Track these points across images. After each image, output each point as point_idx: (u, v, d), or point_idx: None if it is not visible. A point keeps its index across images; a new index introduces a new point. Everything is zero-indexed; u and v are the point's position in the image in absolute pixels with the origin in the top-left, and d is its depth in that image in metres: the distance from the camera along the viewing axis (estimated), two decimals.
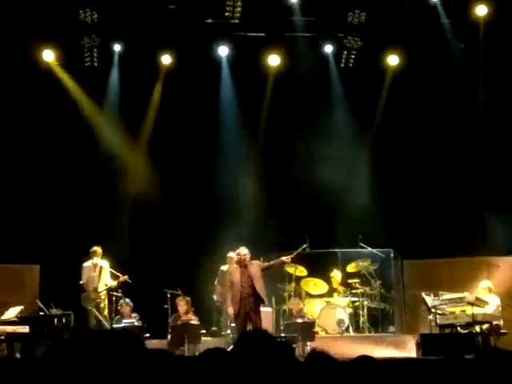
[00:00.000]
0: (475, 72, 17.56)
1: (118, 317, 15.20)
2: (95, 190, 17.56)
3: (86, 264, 15.51)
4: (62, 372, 1.31)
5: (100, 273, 15.46)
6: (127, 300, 15.24)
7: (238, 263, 13.94)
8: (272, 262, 13.90)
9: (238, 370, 2.92)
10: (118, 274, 15.35)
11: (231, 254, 15.38)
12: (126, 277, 15.20)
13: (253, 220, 18.09)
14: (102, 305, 15.35)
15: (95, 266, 15.46)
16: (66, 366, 1.31)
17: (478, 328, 13.96)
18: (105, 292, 15.34)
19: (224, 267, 15.84)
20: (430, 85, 17.90)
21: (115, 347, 1.32)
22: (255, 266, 13.70)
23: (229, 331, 14.94)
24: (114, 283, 15.29)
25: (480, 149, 17.67)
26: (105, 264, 15.56)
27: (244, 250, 13.81)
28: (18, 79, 16.99)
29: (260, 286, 13.54)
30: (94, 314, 15.21)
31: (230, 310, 13.69)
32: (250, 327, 13.21)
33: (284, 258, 13.86)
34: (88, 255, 15.56)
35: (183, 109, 17.87)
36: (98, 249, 15.52)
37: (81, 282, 15.46)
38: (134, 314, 15.14)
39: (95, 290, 15.33)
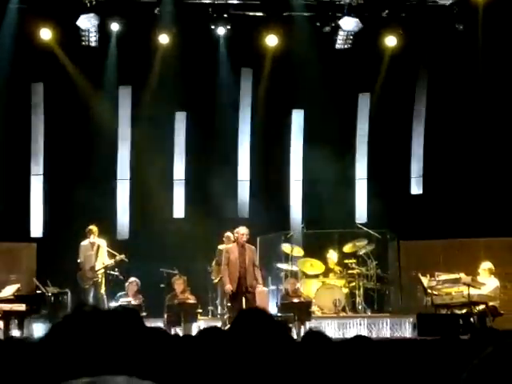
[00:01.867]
0: (474, 54, 17.52)
1: (121, 293, 15.22)
2: (92, 169, 17.55)
3: (83, 243, 15.51)
4: (61, 351, 1.31)
5: (97, 252, 15.46)
6: (134, 279, 15.25)
7: (236, 242, 14.05)
8: (257, 271, 13.97)
9: (234, 349, 2.93)
10: (114, 252, 15.37)
11: (228, 234, 15.49)
12: (122, 256, 15.22)
13: (249, 198, 18.15)
14: (99, 283, 15.37)
15: (92, 244, 15.46)
16: (65, 344, 1.32)
17: (473, 309, 14.00)
18: (102, 271, 15.36)
19: (221, 246, 15.89)
20: (429, 67, 17.88)
21: (114, 325, 1.33)
22: (252, 251, 13.95)
23: (225, 310, 14.97)
24: (111, 262, 15.31)
25: (478, 129, 17.65)
26: (102, 243, 15.56)
27: (243, 229, 13.96)
28: (15, 57, 16.94)
29: (253, 270, 13.74)
30: (91, 292, 15.25)
31: (229, 287, 13.82)
32: (246, 306, 13.28)
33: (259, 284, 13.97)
34: (85, 234, 15.56)
35: (181, 89, 17.82)
36: (93, 227, 15.49)
37: (78, 261, 15.47)
38: (139, 295, 15.16)
39: (92, 268, 15.34)
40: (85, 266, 15.40)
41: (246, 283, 13.70)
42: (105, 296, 15.35)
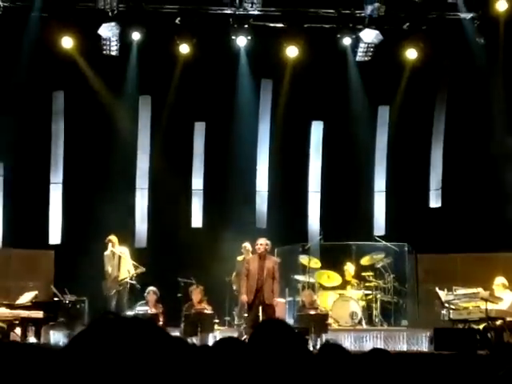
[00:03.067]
0: (495, 68, 17.48)
1: (142, 302, 15.26)
2: (111, 178, 17.61)
3: (106, 252, 15.53)
4: (85, 359, 1.32)
5: (119, 261, 15.49)
6: (154, 289, 15.28)
7: (257, 253, 14.13)
8: (275, 284, 13.96)
9: (251, 360, 2.93)
10: (136, 264, 15.41)
11: (246, 245, 15.54)
12: (143, 269, 15.27)
13: (268, 210, 18.17)
14: (122, 292, 15.37)
15: (113, 254, 15.49)
16: (90, 352, 1.33)
17: (491, 324, 13.93)
18: (127, 279, 15.38)
19: (240, 258, 15.93)
20: (449, 79, 17.85)
21: (137, 334, 1.34)
22: (272, 262, 13.97)
23: (242, 321, 14.96)
24: (134, 272, 15.34)
25: (498, 144, 17.59)
26: (125, 251, 15.59)
27: (261, 241, 14.01)
28: (37, 66, 17.03)
29: (269, 283, 13.76)
30: (114, 300, 15.27)
31: (244, 298, 13.89)
32: (263, 318, 13.31)
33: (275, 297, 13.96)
34: (105, 244, 15.60)
35: (200, 99, 17.88)
36: (112, 237, 15.53)
37: (105, 269, 15.48)
38: (159, 305, 15.18)
39: (115, 278, 15.37)
40: (110, 275, 15.44)
41: (263, 295, 13.73)
42: (126, 305, 15.39)
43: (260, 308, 13.80)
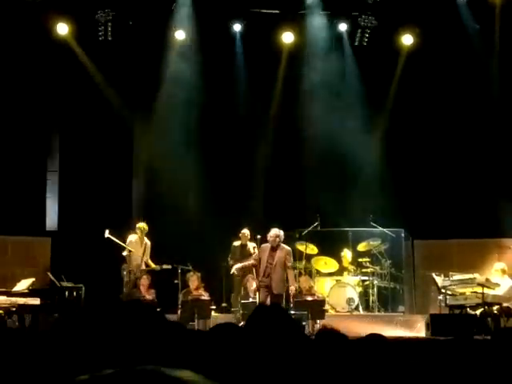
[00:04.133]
0: (490, 53, 17.46)
1: (134, 289, 15.28)
2: (107, 165, 17.60)
3: (132, 238, 15.60)
4: (80, 342, 1.32)
5: (144, 250, 15.57)
6: (147, 274, 15.35)
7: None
8: (289, 272, 14.07)
9: (248, 345, 2.93)
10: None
11: (245, 231, 15.66)
12: (169, 266, 15.36)
13: (263, 196, 18.15)
14: (139, 281, 15.39)
15: (141, 241, 15.57)
16: (86, 335, 1.33)
17: (488, 309, 13.96)
18: (145, 270, 15.46)
19: (236, 243, 16.00)
20: (445, 65, 17.82)
21: (137, 316, 1.34)
22: (284, 251, 14.05)
23: (239, 307, 14.98)
24: (157, 267, 15.49)
25: (495, 130, 17.59)
26: (149, 243, 15.71)
27: (273, 232, 14.11)
28: (32, 52, 16.99)
29: (278, 273, 13.84)
30: (130, 287, 15.35)
31: (250, 284, 14.09)
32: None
33: (291, 286, 14.11)
34: (134, 229, 15.63)
35: (195, 84, 17.84)
36: (143, 225, 15.65)
37: (124, 254, 15.50)
38: (151, 290, 15.20)
39: (137, 265, 15.44)
40: (131, 261, 15.45)
41: (271, 284, 13.88)
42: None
43: (268, 297, 13.93)
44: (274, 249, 14.10)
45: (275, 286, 14.00)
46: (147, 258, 15.67)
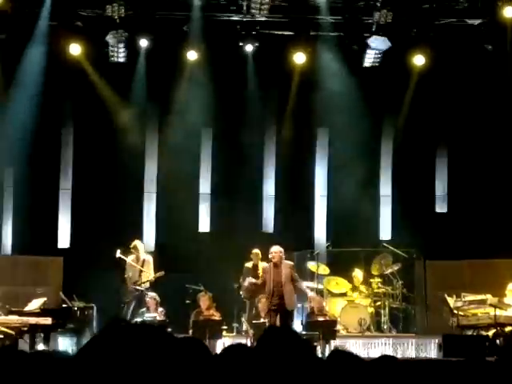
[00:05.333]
0: (503, 75, 17.45)
1: (143, 309, 15.28)
2: (119, 183, 17.65)
3: (129, 258, 15.62)
4: (97, 365, 1.33)
5: (142, 265, 15.57)
6: (153, 294, 15.33)
7: (271, 262, 14.19)
8: (299, 284, 14.06)
9: (259, 366, 2.93)
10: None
11: (256, 251, 15.61)
12: (162, 272, 15.34)
13: (274, 216, 18.17)
14: (140, 298, 15.39)
15: (137, 259, 15.57)
16: (102, 358, 1.34)
17: (500, 330, 13.90)
18: (147, 285, 15.45)
19: (248, 264, 15.95)
20: (456, 86, 17.83)
21: (148, 340, 1.35)
22: (288, 266, 13.96)
23: (251, 328, 14.94)
24: (152, 278, 15.42)
25: (508, 151, 17.56)
26: (149, 258, 15.72)
27: (274, 248, 14.02)
28: (45, 73, 17.08)
29: (289, 289, 13.77)
30: (132, 306, 15.33)
31: (262, 304, 14.11)
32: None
33: (309, 294, 14.07)
34: (129, 250, 15.65)
35: (208, 105, 17.90)
36: (137, 243, 15.68)
37: (125, 276, 15.55)
38: (160, 309, 15.20)
39: (135, 283, 15.45)
40: (130, 282, 15.51)
41: (284, 302, 13.83)
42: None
43: (278, 315, 13.85)
44: (277, 266, 13.97)
45: (288, 302, 13.93)
46: (150, 273, 15.59)
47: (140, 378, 1.33)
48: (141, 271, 15.52)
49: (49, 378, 1.97)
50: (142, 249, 15.78)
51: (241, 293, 16.00)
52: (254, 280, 14.56)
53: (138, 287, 15.40)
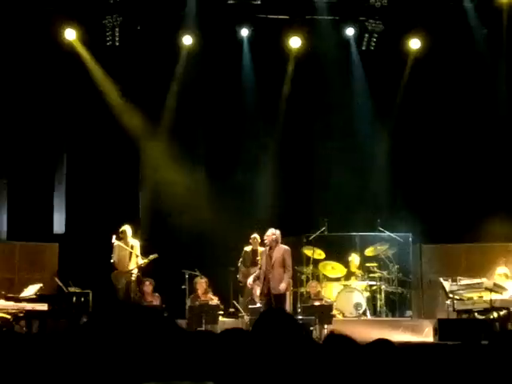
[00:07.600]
0: (497, 58, 17.45)
1: (138, 295, 15.30)
2: (114, 169, 17.63)
3: (117, 243, 15.57)
4: (92, 347, 1.33)
5: (130, 252, 15.54)
6: (150, 279, 15.34)
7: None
8: (287, 272, 13.79)
9: (256, 349, 2.93)
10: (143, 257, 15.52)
11: (255, 235, 15.60)
12: (155, 255, 15.28)
13: (272, 202, 18.15)
14: (132, 284, 15.42)
15: (126, 244, 15.54)
16: (96, 340, 1.33)
17: (495, 314, 13.93)
18: (136, 271, 15.45)
19: (247, 248, 15.98)
20: (452, 69, 17.82)
21: (146, 322, 1.34)
22: (281, 250, 13.62)
23: (247, 312, 14.96)
24: (144, 261, 15.38)
25: (503, 134, 17.57)
26: (136, 244, 15.67)
27: (268, 232, 13.77)
28: (40, 57, 17.02)
29: (276, 273, 13.51)
30: (124, 291, 15.33)
31: (255, 291, 14.15)
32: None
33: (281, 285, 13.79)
34: (118, 234, 15.63)
35: (203, 90, 17.88)
36: (126, 228, 15.62)
37: (111, 261, 15.55)
38: (155, 294, 15.21)
39: (125, 268, 15.44)
40: (119, 266, 15.50)
41: (270, 285, 13.58)
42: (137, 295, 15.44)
43: (269, 299, 13.78)
44: (270, 249, 13.75)
45: (273, 285, 13.40)
46: (137, 258, 15.58)
47: (137, 357, 1.33)
48: (131, 254, 15.48)
49: (45, 359, 1.97)
50: (130, 233, 15.70)
51: (237, 276, 16.03)
52: (257, 272, 14.29)
53: (132, 271, 15.40)
